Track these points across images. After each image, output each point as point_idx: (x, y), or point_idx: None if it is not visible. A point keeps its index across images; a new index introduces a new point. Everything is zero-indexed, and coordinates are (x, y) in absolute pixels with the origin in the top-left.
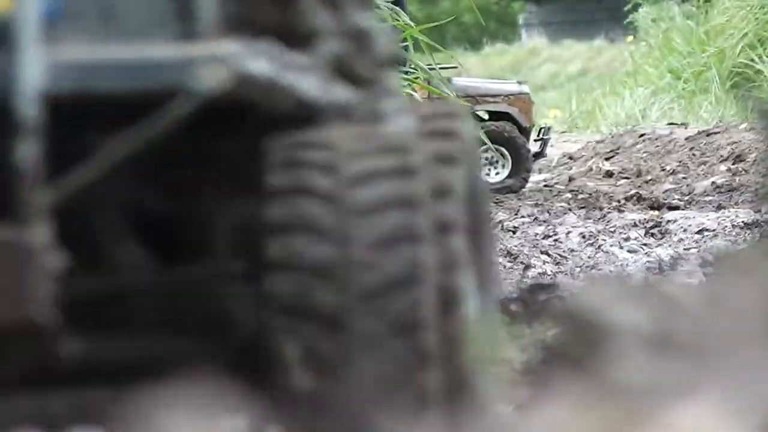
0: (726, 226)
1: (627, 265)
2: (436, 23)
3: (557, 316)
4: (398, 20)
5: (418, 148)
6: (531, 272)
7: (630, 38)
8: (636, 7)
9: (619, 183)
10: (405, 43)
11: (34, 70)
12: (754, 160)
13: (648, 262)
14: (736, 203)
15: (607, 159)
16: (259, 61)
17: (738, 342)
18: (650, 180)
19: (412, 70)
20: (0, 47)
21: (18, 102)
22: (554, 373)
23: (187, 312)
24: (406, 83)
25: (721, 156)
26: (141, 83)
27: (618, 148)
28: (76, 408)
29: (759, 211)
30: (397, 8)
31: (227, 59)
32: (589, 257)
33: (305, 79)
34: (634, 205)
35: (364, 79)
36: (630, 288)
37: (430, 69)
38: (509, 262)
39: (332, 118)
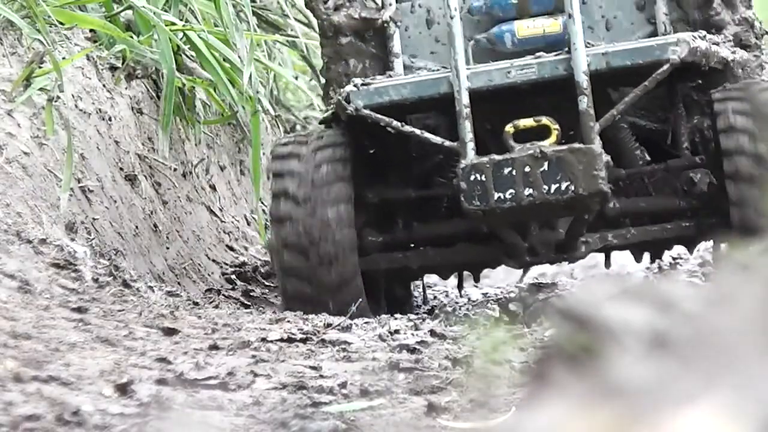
0: None
1: (627, 265)
2: None
3: (556, 315)
4: None
5: None
6: (531, 272)
7: None
8: None
9: None
10: None
11: (582, 59)
12: None
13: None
14: None
15: None
16: (700, 41)
17: (738, 342)
18: None
19: None
20: (562, 48)
21: (578, 76)
22: (554, 373)
23: (672, 185)
24: None
25: None
26: (644, 58)
27: None
28: (624, 238)
29: None
30: None
31: (686, 41)
32: (588, 257)
33: (722, 49)
34: None
35: (751, 46)
36: (630, 288)
37: None
38: None
39: (737, 70)
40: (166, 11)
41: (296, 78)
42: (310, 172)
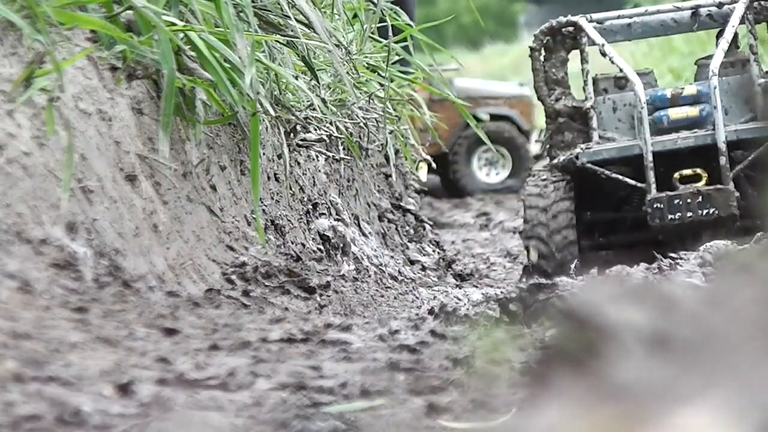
0: None
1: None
2: (436, 23)
3: (556, 315)
4: (397, 20)
5: None
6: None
7: None
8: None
9: None
10: (405, 43)
11: (722, 133)
12: None
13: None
14: None
15: None
16: None
17: (738, 342)
18: None
19: (412, 71)
20: (698, 126)
21: (720, 144)
22: (554, 373)
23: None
24: (406, 83)
25: None
26: (761, 134)
27: None
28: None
29: None
30: (397, 7)
31: None
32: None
33: None
34: None
35: None
36: (630, 288)
37: (431, 69)
38: (509, 262)
39: None
40: (166, 12)
41: (296, 78)
42: (550, 197)
